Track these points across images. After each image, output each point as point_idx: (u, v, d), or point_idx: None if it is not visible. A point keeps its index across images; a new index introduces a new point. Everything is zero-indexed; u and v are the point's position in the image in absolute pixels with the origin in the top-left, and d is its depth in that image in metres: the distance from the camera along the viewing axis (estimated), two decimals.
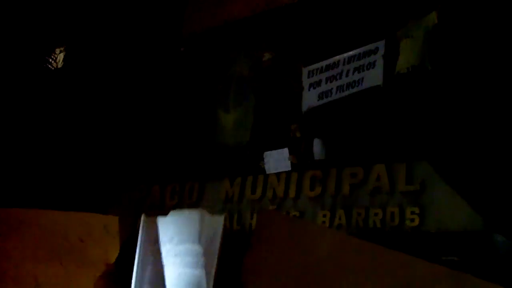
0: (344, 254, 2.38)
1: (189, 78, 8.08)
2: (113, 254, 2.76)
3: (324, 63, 6.91)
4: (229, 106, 7.73)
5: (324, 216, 6.05)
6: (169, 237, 2.26)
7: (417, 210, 5.49)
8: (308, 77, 7.01)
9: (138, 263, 2.29)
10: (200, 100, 7.92)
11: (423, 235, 5.40)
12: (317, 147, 6.76)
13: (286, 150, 6.78)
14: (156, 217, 2.38)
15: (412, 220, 5.48)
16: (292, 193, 6.46)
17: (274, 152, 6.83)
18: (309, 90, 6.95)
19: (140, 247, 2.34)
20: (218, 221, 2.24)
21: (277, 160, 6.75)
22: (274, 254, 2.18)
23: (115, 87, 8.11)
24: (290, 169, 6.64)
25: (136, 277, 2.27)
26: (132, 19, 8.31)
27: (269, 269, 2.16)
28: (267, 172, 6.74)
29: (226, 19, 8.00)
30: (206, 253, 2.21)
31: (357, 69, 6.54)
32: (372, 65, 6.41)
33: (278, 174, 6.62)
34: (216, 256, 2.21)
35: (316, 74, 6.95)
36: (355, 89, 6.46)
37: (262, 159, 6.91)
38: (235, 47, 7.94)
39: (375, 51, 6.49)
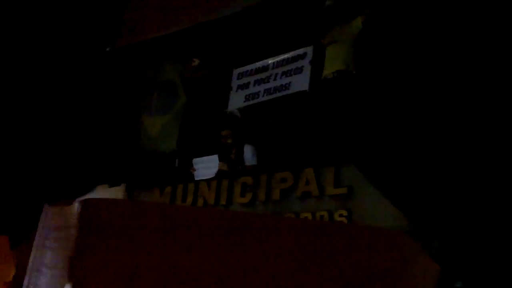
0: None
1: (116, 84, 7.88)
2: (8, 273, 2.60)
3: (253, 66, 6.93)
4: (155, 110, 7.60)
5: None
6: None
7: (345, 213, 5.53)
8: (238, 78, 7.01)
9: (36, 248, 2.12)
10: (127, 107, 7.75)
11: None
12: (248, 153, 6.72)
13: (215, 157, 6.72)
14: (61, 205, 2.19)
15: None
16: (223, 200, 6.35)
17: (204, 158, 6.76)
18: (236, 91, 6.93)
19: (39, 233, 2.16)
20: (116, 192, 2.12)
21: (207, 167, 6.68)
22: (106, 252, 1.97)
23: (39, 92, 7.82)
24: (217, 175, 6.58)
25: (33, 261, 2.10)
26: (59, 23, 8.04)
27: (100, 272, 1.96)
28: (196, 179, 6.65)
29: (162, 31, 7.84)
30: None
31: (285, 73, 6.56)
32: (299, 70, 6.43)
33: (208, 182, 6.52)
34: None
35: (245, 76, 6.95)
36: (282, 93, 6.47)
37: (192, 165, 6.83)
38: (164, 53, 7.81)
39: (303, 56, 6.53)
